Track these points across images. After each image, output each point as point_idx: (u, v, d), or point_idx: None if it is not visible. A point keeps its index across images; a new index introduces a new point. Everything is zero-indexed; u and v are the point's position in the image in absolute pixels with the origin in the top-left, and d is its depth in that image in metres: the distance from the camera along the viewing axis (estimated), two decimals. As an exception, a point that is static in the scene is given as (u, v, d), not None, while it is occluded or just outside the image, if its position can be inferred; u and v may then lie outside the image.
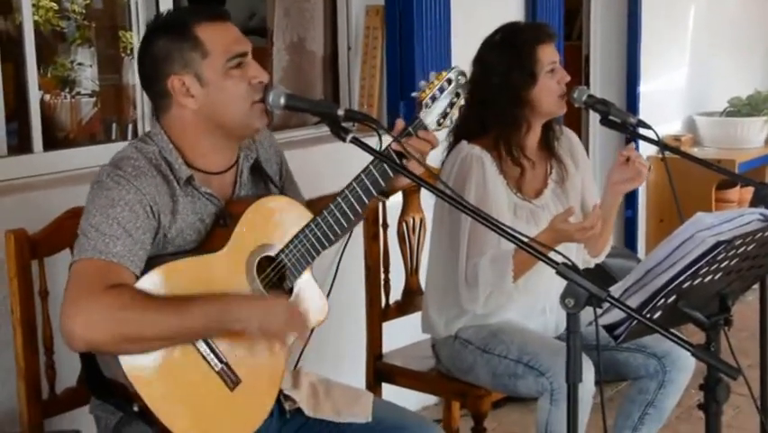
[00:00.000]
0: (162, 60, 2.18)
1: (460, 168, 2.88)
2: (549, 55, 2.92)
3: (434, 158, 2.39)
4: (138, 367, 2.03)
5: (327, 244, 2.27)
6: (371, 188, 2.25)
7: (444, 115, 2.34)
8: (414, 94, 2.35)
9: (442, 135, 2.59)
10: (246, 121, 2.21)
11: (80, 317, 1.97)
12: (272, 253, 2.23)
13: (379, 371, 3.20)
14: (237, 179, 2.31)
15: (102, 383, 2.14)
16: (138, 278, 2.06)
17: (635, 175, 2.87)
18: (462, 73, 2.37)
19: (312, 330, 2.33)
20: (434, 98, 2.32)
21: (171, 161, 2.19)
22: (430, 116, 2.32)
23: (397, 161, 2.24)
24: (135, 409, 2.06)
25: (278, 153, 2.49)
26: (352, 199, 2.25)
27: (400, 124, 2.32)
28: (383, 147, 2.23)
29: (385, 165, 2.23)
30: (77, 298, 1.99)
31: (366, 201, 2.26)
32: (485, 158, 2.88)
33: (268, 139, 2.46)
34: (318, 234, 2.25)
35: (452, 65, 2.42)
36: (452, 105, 2.35)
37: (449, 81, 2.34)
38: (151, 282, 2.06)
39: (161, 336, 2.03)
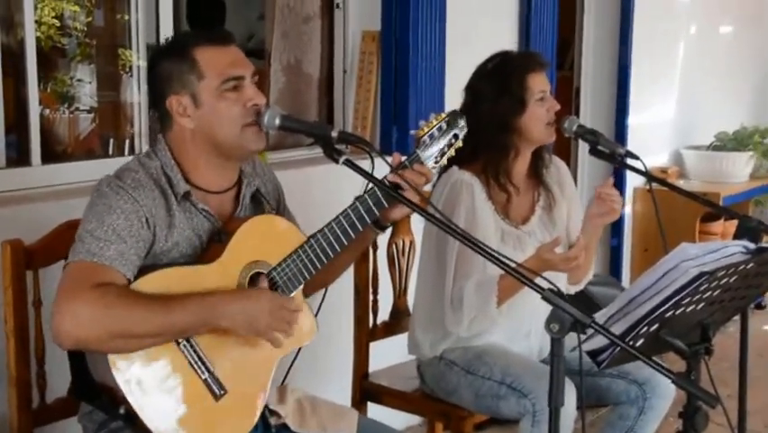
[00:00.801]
0: (164, 81, 2.24)
1: (450, 193, 2.91)
2: (539, 84, 2.95)
3: (426, 183, 2.44)
4: (126, 371, 2.06)
5: (319, 266, 2.29)
6: (365, 215, 2.29)
7: (441, 153, 2.39)
8: (412, 132, 2.41)
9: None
10: (239, 142, 2.24)
11: (69, 314, 2.01)
12: (264, 270, 2.27)
13: (365, 390, 3.22)
14: (240, 202, 2.34)
15: (90, 386, 2.17)
16: (130, 282, 2.10)
17: (609, 210, 2.92)
18: (461, 116, 2.43)
19: (300, 348, 2.36)
20: (431, 137, 2.37)
21: (171, 176, 2.24)
22: (426, 153, 2.37)
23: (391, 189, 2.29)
24: (121, 411, 2.10)
25: (278, 189, 2.53)
26: (346, 225, 2.28)
27: (397, 157, 2.36)
28: (376, 172, 2.28)
29: (379, 194, 2.28)
30: (66, 296, 2.03)
31: (360, 228, 2.30)
32: (474, 184, 2.91)
33: (269, 174, 2.50)
34: (311, 255, 2.28)
35: (451, 109, 2.49)
36: (449, 145, 2.40)
37: (447, 123, 2.39)
38: (142, 286, 2.09)
39: (148, 333, 2.05)
